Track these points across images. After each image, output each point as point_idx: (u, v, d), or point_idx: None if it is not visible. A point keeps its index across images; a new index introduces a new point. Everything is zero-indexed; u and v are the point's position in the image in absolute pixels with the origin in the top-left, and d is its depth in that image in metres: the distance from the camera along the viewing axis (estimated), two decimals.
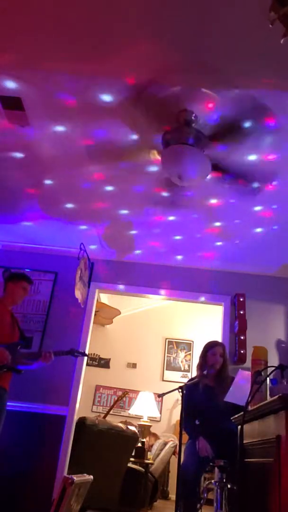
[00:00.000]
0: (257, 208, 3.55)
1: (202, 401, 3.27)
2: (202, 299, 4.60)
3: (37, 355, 3.35)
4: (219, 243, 4.22)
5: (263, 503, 1.65)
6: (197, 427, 3.21)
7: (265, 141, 2.77)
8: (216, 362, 3.37)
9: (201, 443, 3.08)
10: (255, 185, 3.22)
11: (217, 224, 3.87)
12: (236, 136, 2.72)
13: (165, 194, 3.49)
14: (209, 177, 2.97)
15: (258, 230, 3.87)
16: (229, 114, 2.57)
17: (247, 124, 2.63)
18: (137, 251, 4.55)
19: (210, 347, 3.48)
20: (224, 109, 2.54)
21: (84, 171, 3.30)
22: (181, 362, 6.98)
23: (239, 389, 2.95)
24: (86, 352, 4.38)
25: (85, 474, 2.94)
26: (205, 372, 3.23)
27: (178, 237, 4.20)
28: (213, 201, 3.52)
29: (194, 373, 6.44)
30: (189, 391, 3.17)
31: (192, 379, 3.49)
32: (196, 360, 6.63)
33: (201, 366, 3.45)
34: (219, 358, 3.40)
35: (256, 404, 1.93)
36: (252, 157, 2.93)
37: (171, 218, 3.86)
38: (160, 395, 3.17)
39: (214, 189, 3.34)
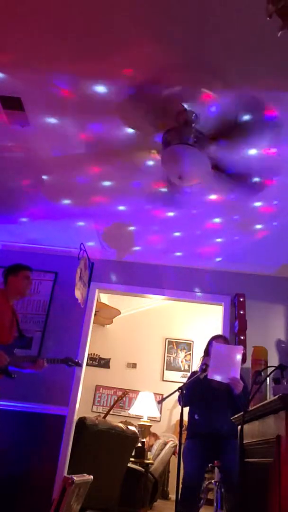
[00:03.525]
0: (257, 204, 3.54)
1: (203, 392, 3.25)
2: (202, 299, 4.60)
3: (32, 361, 3.30)
4: (219, 239, 4.20)
5: (263, 503, 1.65)
6: (196, 422, 3.21)
7: (265, 137, 2.76)
8: None
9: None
10: (256, 179, 3.21)
11: (217, 220, 3.86)
12: (236, 134, 2.72)
13: (164, 190, 3.47)
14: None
15: (258, 226, 3.86)
16: (229, 114, 2.57)
17: (246, 121, 2.63)
18: (137, 247, 4.53)
19: (212, 339, 3.47)
20: (224, 109, 2.54)
21: (84, 171, 3.30)
22: (181, 362, 6.98)
23: (220, 364, 2.96)
24: (86, 353, 4.38)
25: (85, 474, 2.95)
26: (204, 367, 3.22)
27: (177, 233, 4.19)
28: (213, 197, 3.51)
29: None
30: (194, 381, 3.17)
31: (193, 373, 3.47)
32: (196, 360, 6.69)
33: (202, 359, 3.45)
34: None
35: (256, 404, 1.93)
36: (252, 152, 2.93)
37: (170, 213, 3.85)
38: (160, 402, 3.15)
39: (214, 186, 3.33)
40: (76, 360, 3.59)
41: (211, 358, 3.03)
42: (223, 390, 3.10)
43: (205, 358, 3.25)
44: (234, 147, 2.84)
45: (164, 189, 3.46)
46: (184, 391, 2.98)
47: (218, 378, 3.00)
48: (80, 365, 3.76)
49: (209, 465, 3.29)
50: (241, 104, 2.50)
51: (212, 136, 2.70)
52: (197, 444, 3.11)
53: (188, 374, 6.66)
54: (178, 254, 4.57)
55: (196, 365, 6.33)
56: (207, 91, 2.43)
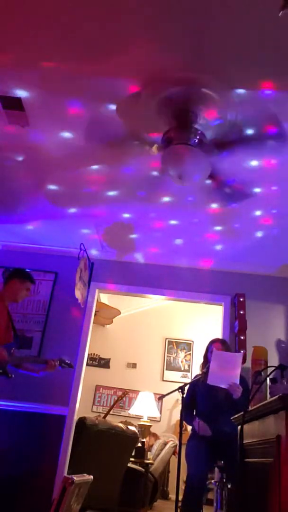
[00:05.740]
0: (258, 213, 3.57)
1: (203, 397, 3.26)
2: (202, 299, 4.60)
3: (43, 362, 3.28)
4: (219, 246, 4.22)
5: (263, 503, 1.65)
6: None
7: (266, 146, 2.78)
8: None
9: (200, 424, 3.12)
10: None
11: (218, 228, 3.88)
12: (240, 145, 2.74)
13: (167, 198, 3.50)
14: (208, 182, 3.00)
15: (259, 234, 3.89)
16: (230, 115, 2.57)
17: (249, 131, 2.65)
18: (138, 255, 4.57)
19: (210, 344, 3.49)
20: (225, 109, 2.54)
21: (84, 172, 3.29)
22: (181, 362, 6.98)
23: (219, 370, 3.00)
24: (86, 353, 4.37)
25: (85, 474, 2.94)
26: (204, 370, 3.24)
27: (178, 240, 4.20)
28: (214, 205, 3.54)
29: (194, 373, 6.46)
30: (192, 386, 3.21)
31: (196, 376, 3.49)
32: (196, 360, 6.70)
33: (202, 364, 3.47)
34: None
35: (256, 404, 1.93)
36: (254, 163, 2.95)
37: (173, 221, 3.88)
38: (160, 398, 3.18)
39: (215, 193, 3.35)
40: (68, 362, 3.54)
41: (211, 364, 3.06)
42: (224, 393, 3.12)
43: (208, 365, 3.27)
44: (235, 156, 2.86)
45: (167, 198, 3.48)
46: (185, 392, 2.99)
47: (217, 383, 3.04)
48: (72, 367, 3.67)
49: (214, 465, 3.30)
50: (241, 104, 2.50)
51: (214, 140, 2.71)
52: (200, 445, 3.11)
53: (188, 374, 6.70)
54: (179, 259, 4.59)
55: (196, 366, 6.34)
56: (207, 91, 2.43)
